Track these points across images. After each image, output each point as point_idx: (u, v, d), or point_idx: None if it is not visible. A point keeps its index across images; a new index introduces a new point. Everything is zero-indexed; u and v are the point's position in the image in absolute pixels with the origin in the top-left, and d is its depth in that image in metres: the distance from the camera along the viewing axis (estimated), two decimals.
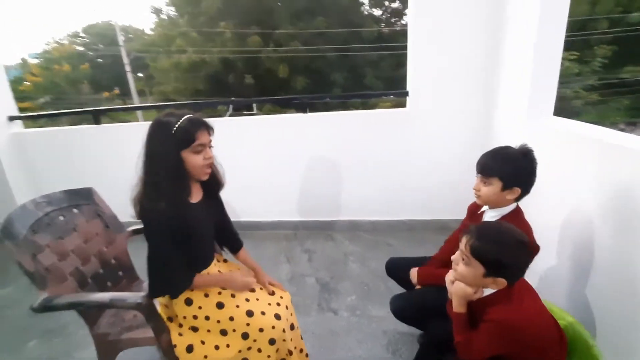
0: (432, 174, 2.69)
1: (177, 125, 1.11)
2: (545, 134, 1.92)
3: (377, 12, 15.10)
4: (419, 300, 1.51)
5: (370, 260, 2.47)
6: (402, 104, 2.78)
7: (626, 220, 1.27)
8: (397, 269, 1.79)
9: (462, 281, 1.07)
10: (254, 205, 2.96)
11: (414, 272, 1.64)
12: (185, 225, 1.15)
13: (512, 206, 1.39)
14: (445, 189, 2.73)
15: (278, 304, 1.35)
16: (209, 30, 14.01)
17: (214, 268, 1.34)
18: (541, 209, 1.69)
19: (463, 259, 1.03)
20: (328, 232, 2.90)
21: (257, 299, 1.33)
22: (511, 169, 1.31)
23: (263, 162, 2.82)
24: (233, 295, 1.30)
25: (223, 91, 14.87)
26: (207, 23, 14.11)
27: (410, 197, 2.79)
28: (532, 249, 1.00)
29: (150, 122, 1.17)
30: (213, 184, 1.31)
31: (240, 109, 13.22)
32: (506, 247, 0.97)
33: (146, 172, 1.14)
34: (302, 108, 2.71)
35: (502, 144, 2.35)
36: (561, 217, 1.66)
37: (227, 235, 1.47)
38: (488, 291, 1.07)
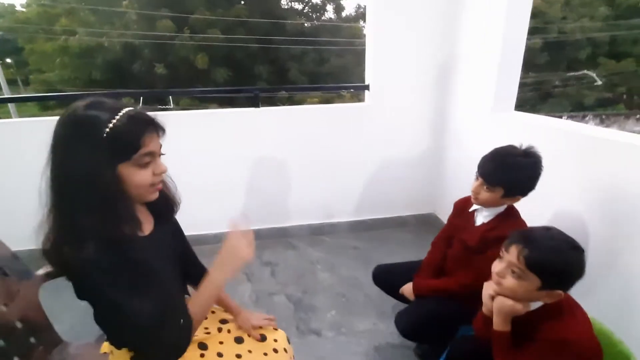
0: (391, 169, 2.63)
1: (110, 125, 0.71)
2: (508, 128, 1.97)
3: (298, 6, 14.92)
4: (429, 315, 1.37)
5: (340, 267, 2.29)
6: (331, 100, 2.65)
7: (608, 212, 1.32)
8: (385, 277, 1.65)
9: (510, 297, 0.94)
10: (195, 215, 2.48)
11: (408, 289, 1.51)
12: (139, 274, 0.78)
13: (507, 205, 1.34)
14: (405, 185, 2.70)
15: (275, 350, 1.06)
16: (106, 9, 12.05)
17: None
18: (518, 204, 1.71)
19: (513, 272, 0.90)
20: (287, 240, 2.63)
21: (250, 351, 1.02)
22: (517, 180, 1.24)
23: (205, 164, 2.40)
24: (220, 355, 0.97)
25: (126, 81, 13.03)
26: (104, 0, 12.12)
27: (369, 195, 2.68)
28: (583, 251, 0.91)
29: (58, 119, 0.74)
30: (165, 204, 0.93)
31: (151, 103, 11.71)
32: (564, 255, 0.87)
33: (59, 201, 0.73)
34: (254, 102, 2.37)
35: (462, 138, 2.37)
36: (538, 211, 1.70)
37: (190, 270, 1.09)
38: (533, 305, 0.97)
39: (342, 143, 2.52)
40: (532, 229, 0.95)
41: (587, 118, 14.32)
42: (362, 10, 15.32)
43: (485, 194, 1.29)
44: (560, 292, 0.89)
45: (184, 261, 1.05)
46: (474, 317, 1.37)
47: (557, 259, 0.87)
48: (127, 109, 0.75)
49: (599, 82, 14.10)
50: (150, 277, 0.80)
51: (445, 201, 2.62)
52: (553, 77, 14.83)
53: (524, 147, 1.26)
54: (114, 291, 0.73)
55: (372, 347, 1.66)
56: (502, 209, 1.34)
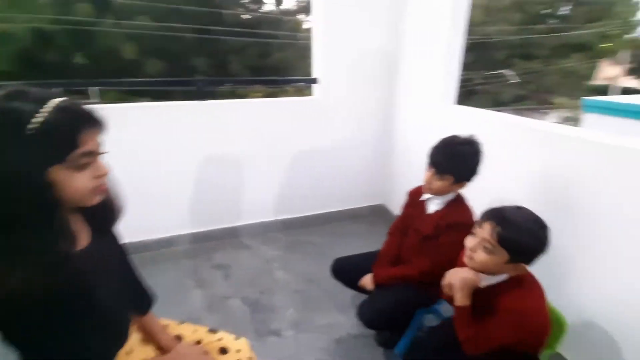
0: (342, 162, 2.65)
1: (37, 120, 0.58)
2: (451, 120, 2.09)
3: None
4: (391, 303, 1.40)
5: (295, 263, 2.25)
6: (274, 94, 2.61)
7: (539, 195, 1.47)
8: (344, 270, 1.66)
9: (481, 270, 1.02)
10: (134, 220, 2.27)
11: (368, 279, 1.53)
12: (73, 298, 0.66)
13: (455, 192, 1.42)
14: (357, 177, 2.74)
15: None
16: None
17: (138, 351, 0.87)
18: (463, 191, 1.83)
19: (485, 247, 0.97)
20: (239, 240, 2.51)
21: None
22: (465, 167, 1.32)
23: (145, 163, 2.18)
24: None
25: (39, 73, 11.40)
26: None
27: (322, 189, 2.68)
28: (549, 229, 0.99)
29: None
30: (104, 211, 0.79)
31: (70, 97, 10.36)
32: (532, 232, 0.95)
33: None
34: (198, 95, 2.20)
35: (409, 130, 2.47)
36: (480, 196, 1.83)
37: (131, 290, 0.95)
38: (493, 279, 1.03)
39: (292, 137, 2.47)
40: (505, 208, 1.01)
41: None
42: (302, 3, 15.26)
43: (437, 183, 1.35)
44: (524, 265, 0.98)
45: (124, 280, 0.91)
46: (431, 300, 1.43)
47: (527, 238, 0.94)
48: (57, 100, 0.62)
49: (514, 80, 15.88)
50: (90, 309, 0.69)
51: (394, 192, 2.72)
52: (476, 75, 16.35)
53: (464, 136, 1.35)
54: (47, 335, 0.61)
55: (333, 340, 1.66)
56: (451, 196, 1.42)
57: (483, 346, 1.00)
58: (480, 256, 0.99)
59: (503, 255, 0.95)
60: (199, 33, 12.08)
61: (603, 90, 16.37)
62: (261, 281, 2.08)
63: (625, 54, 17.87)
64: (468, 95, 16.35)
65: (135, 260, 0.97)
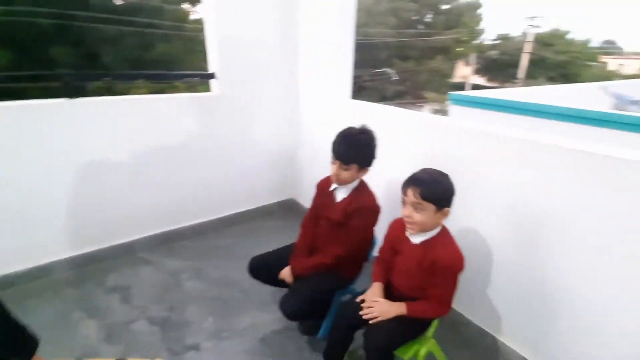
0: (247, 160, 2.59)
1: None
2: (348, 113, 2.24)
3: None
4: (313, 293, 1.44)
5: (208, 270, 2.12)
6: (161, 90, 2.45)
7: None
8: (262, 268, 1.64)
9: (422, 227, 1.20)
10: None
11: (286, 272, 1.54)
12: None
13: (359, 179, 1.54)
14: (265, 174, 2.71)
15: None
16: None
17: None
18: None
19: (416, 208, 1.17)
20: (136, 256, 2.23)
21: None
22: (366, 154, 1.45)
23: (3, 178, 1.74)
24: None
25: None
26: None
27: (229, 189, 2.57)
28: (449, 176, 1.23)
29: None
30: None
31: None
32: (441, 181, 1.19)
33: None
34: (68, 92, 1.83)
35: (311, 124, 2.56)
36: (378, 181, 2.01)
37: (5, 335, 0.77)
38: (428, 235, 1.22)
39: (189, 137, 2.29)
40: (415, 173, 1.22)
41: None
42: None
43: (344, 174, 1.44)
44: (448, 209, 1.19)
45: None
46: (347, 283, 1.52)
47: (440, 187, 1.18)
48: None
49: (395, 78, 17.93)
50: None
51: (303, 185, 2.79)
52: (364, 73, 17.90)
53: (358, 126, 1.47)
54: None
55: (257, 340, 1.62)
56: (356, 183, 1.52)
57: (450, 301, 1.23)
58: (417, 216, 1.18)
59: (431, 207, 1.16)
60: (57, 18, 10.08)
61: (461, 86, 19.82)
62: (169, 297, 1.89)
63: (473, 57, 21.93)
64: (359, 90, 17.82)
65: (5, 298, 0.77)
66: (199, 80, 2.43)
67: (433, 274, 1.21)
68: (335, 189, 1.55)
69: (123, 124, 2.04)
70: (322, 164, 1.47)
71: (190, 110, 2.26)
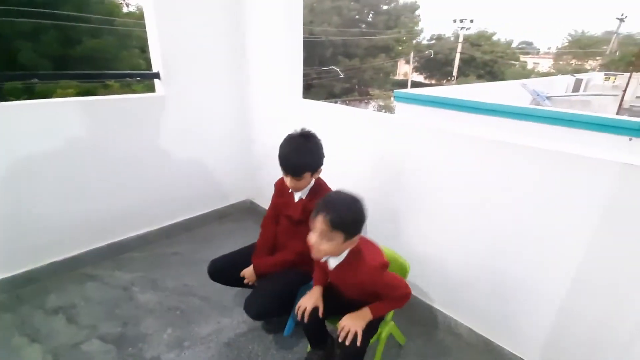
0: (199, 162, 2.51)
1: None
2: (300, 112, 2.28)
3: None
4: (277, 290, 1.46)
5: (163, 280, 2.02)
6: (93, 91, 2.31)
7: (379, 170, 1.81)
8: (223, 270, 1.63)
9: (326, 254, 1.16)
10: None
11: (249, 271, 1.55)
12: None
13: (315, 179, 1.59)
14: (218, 177, 2.65)
15: None
16: None
17: None
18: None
19: (325, 237, 1.12)
20: (79, 272, 2.05)
21: None
22: (315, 159, 1.47)
23: None
24: None
25: None
26: None
27: (181, 194, 2.47)
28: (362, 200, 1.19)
29: None
30: None
31: None
32: (354, 208, 1.13)
33: None
34: None
35: (264, 124, 2.56)
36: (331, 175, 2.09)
37: None
38: (338, 259, 1.22)
39: (134, 140, 2.16)
40: (326, 196, 1.18)
41: (337, 103, 18.45)
42: None
43: (299, 183, 1.47)
44: (358, 236, 1.16)
45: None
46: (310, 277, 1.56)
47: (350, 214, 1.12)
48: None
49: (342, 75, 18.35)
50: None
51: (259, 185, 2.77)
52: (311, 71, 18.06)
53: (297, 132, 1.47)
54: None
55: (222, 345, 1.60)
56: (312, 184, 1.56)
57: (405, 291, 1.21)
58: (324, 246, 1.13)
59: (339, 236, 1.11)
60: None
61: (403, 83, 20.90)
62: (121, 312, 1.78)
63: (412, 56, 23.21)
64: (307, 88, 17.95)
65: None
66: (136, 80, 2.29)
67: (367, 291, 1.21)
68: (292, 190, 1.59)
69: (58, 130, 1.86)
70: (277, 163, 1.49)
71: (133, 113, 2.12)
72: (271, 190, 1.70)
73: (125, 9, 14.89)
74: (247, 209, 2.87)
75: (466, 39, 23.85)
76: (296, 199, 1.58)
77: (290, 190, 1.59)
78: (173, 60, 2.19)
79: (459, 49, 22.91)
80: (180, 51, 2.20)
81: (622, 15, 24.65)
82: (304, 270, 1.57)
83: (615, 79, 10.23)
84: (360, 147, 1.91)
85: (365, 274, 1.18)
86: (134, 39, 12.85)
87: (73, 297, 1.86)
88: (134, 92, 2.19)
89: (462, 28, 23.14)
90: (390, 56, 21.24)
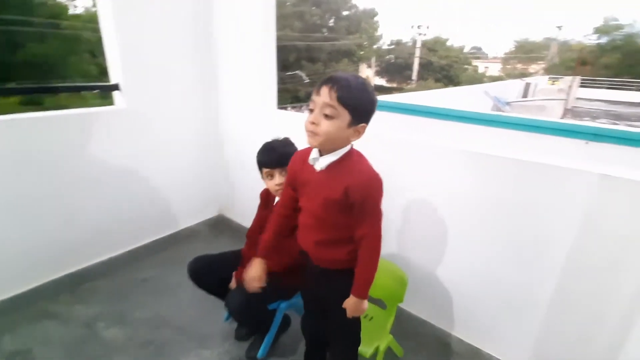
0: (166, 179, 2.35)
1: None
2: (274, 122, 2.21)
3: None
4: (262, 292, 1.37)
5: (131, 311, 1.85)
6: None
7: None
8: (205, 269, 1.53)
9: (326, 140, 0.93)
10: None
11: (234, 283, 1.51)
12: None
13: None
14: (186, 192, 2.50)
15: None
16: None
17: None
18: None
19: (327, 115, 0.91)
20: (36, 308, 1.82)
21: None
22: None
23: None
24: None
25: None
26: None
27: (144, 213, 2.29)
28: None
29: None
30: None
31: None
32: (365, 88, 0.93)
33: None
34: None
35: (236, 135, 2.46)
36: None
37: None
38: (331, 157, 0.98)
39: (92, 159, 1.96)
40: (334, 73, 0.96)
41: (302, 108, 18.45)
42: None
43: (284, 179, 1.40)
44: (364, 124, 0.95)
45: None
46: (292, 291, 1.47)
47: (363, 93, 0.92)
48: None
49: (307, 80, 18.39)
50: None
51: (233, 199, 2.64)
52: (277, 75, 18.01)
53: (281, 140, 1.46)
54: None
55: None
56: None
57: (380, 233, 1.03)
58: (324, 125, 0.91)
59: (345, 116, 0.91)
60: None
61: None
62: (86, 353, 1.59)
63: (374, 60, 23.84)
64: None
65: None
66: (91, 92, 2.10)
67: (348, 209, 0.98)
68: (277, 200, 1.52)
69: (4, 149, 1.65)
70: (254, 174, 1.42)
71: (90, 129, 1.93)
72: (245, 203, 1.63)
73: (72, 11, 13.89)
74: (220, 225, 2.73)
75: (423, 44, 24.93)
76: None
77: (276, 200, 1.51)
78: (134, 71, 2.03)
79: (417, 53, 23.88)
80: (142, 60, 2.04)
81: (559, 25, 27.12)
82: (288, 283, 1.49)
83: (559, 82, 11.17)
84: None
85: (360, 174, 0.97)
86: (82, 43, 12.01)
87: (29, 339, 1.64)
88: (85, 101, 1.98)
89: (419, 34, 24.17)
90: (352, 61, 21.64)
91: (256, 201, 1.60)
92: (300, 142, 1.46)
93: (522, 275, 1.38)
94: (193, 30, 2.24)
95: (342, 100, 0.89)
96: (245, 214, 2.50)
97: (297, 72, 17.85)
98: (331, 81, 0.90)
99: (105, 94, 2.10)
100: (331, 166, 0.99)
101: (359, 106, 0.92)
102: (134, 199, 2.21)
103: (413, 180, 1.61)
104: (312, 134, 0.94)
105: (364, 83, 0.94)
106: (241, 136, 2.42)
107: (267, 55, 2.14)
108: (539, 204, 1.28)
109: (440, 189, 1.53)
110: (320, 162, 1.00)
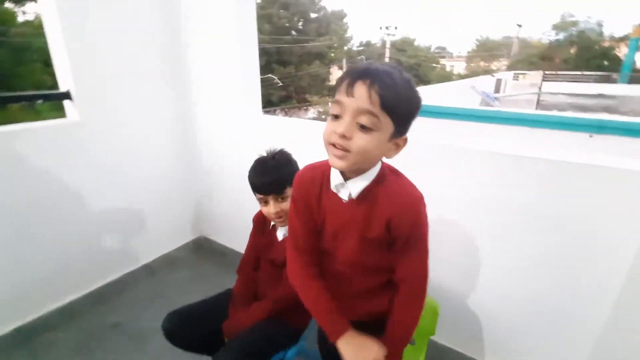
0: (135, 201, 2.01)
1: None
2: (259, 129, 1.94)
3: None
4: (255, 340, 1.11)
5: None
6: None
7: None
8: (184, 332, 1.21)
9: (361, 157, 0.66)
10: None
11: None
12: None
13: None
14: (159, 214, 2.16)
15: None
16: None
17: None
18: None
19: (363, 127, 0.64)
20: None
21: None
22: (296, 170, 1.19)
23: None
24: None
25: None
26: None
27: (108, 244, 1.93)
28: None
29: None
30: None
31: None
32: (414, 89, 0.67)
33: None
34: None
35: (217, 146, 2.17)
36: None
37: None
38: (360, 184, 0.73)
39: (42, 184, 1.61)
40: (368, 63, 0.67)
41: (276, 112, 18.10)
42: None
43: (284, 205, 1.18)
44: (406, 137, 0.71)
45: None
46: (297, 333, 1.20)
47: (410, 95, 0.66)
48: None
49: (279, 84, 18.10)
50: None
51: (215, 218, 2.32)
52: None
53: (272, 154, 1.22)
54: None
55: None
56: None
57: (427, 273, 0.79)
58: (360, 140, 0.64)
59: (388, 127, 0.65)
60: None
61: None
62: None
63: (345, 62, 23.91)
64: None
65: None
66: (39, 102, 1.73)
67: (389, 245, 0.75)
68: (275, 225, 1.26)
69: None
70: (237, 188, 1.16)
71: (36, 147, 1.58)
72: (230, 221, 1.35)
73: (20, 18, 12.85)
74: (204, 247, 2.40)
75: (392, 44, 25.33)
76: (280, 237, 1.26)
77: (272, 225, 1.27)
78: (89, 75, 1.69)
79: (387, 54, 24.21)
80: (97, 65, 1.71)
81: (520, 24, 28.61)
82: (291, 324, 1.22)
83: (524, 77, 11.54)
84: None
85: (402, 199, 0.72)
86: (34, 52, 11.12)
87: None
88: (38, 114, 1.63)
89: (388, 34, 24.53)
90: (324, 62, 21.57)
91: (244, 219, 1.33)
92: (293, 149, 1.23)
93: (572, 300, 1.19)
94: (160, 30, 1.92)
95: (387, 106, 0.62)
96: (231, 234, 2.20)
97: (269, 75, 17.54)
98: (369, 75, 0.62)
99: (59, 105, 1.75)
100: (363, 193, 0.73)
101: (407, 114, 0.66)
102: (96, 228, 1.85)
103: (433, 190, 1.40)
104: (341, 152, 0.65)
105: (409, 80, 0.67)
106: (223, 145, 2.11)
107: (248, 56, 1.88)
108: (590, 214, 1.09)
109: (467, 198, 1.32)
110: (350, 189, 0.73)
